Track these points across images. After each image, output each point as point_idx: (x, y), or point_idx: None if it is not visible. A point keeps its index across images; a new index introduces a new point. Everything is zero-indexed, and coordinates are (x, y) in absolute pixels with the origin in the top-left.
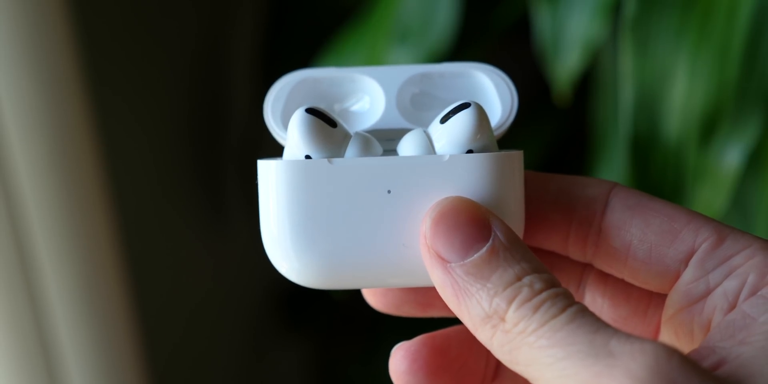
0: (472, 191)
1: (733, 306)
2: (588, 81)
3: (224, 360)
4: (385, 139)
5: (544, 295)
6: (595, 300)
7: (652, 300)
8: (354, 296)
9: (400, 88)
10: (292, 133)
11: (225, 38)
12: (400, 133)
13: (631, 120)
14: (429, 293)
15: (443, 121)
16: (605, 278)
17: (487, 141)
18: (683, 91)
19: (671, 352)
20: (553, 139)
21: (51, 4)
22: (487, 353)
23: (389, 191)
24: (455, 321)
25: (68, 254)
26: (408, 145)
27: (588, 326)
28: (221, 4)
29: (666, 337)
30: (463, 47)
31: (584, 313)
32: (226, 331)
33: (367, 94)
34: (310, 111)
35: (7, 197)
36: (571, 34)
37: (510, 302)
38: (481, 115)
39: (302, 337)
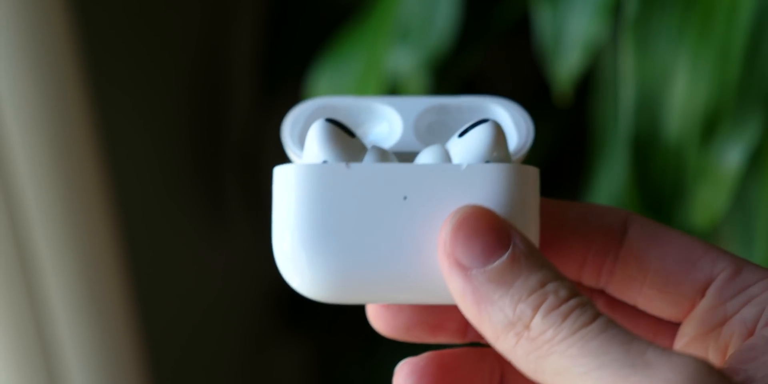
0: (489, 201)
1: (751, 332)
2: (588, 81)
3: (225, 359)
4: (401, 161)
5: (571, 302)
6: None
7: (660, 331)
8: None
9: (417, 117)
10: (311, 141)
11: (226, 38)
12: (416, 156)
13: (632, 120)
14: (440, 315)
15: (461, 135)
16: (613, 307)
17: (504, 156)
18: (684, 91)
19: (711, 367)
20: (554, 139)
21: (52, 4)
22: (491, 376)
23: (405, 197)
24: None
25: (69, 255)
26: (426, 157)
27: (622, 336)
28: (221, 4)
29: None
30: (463, 47)
31: (614, 323)
32: (227, 330)
33: (384, 120)
34: (330, 120)
35: (8, 198)
36: (571, 34)
37: (536, 309)
38: (499, 131)
39: (303, 336)
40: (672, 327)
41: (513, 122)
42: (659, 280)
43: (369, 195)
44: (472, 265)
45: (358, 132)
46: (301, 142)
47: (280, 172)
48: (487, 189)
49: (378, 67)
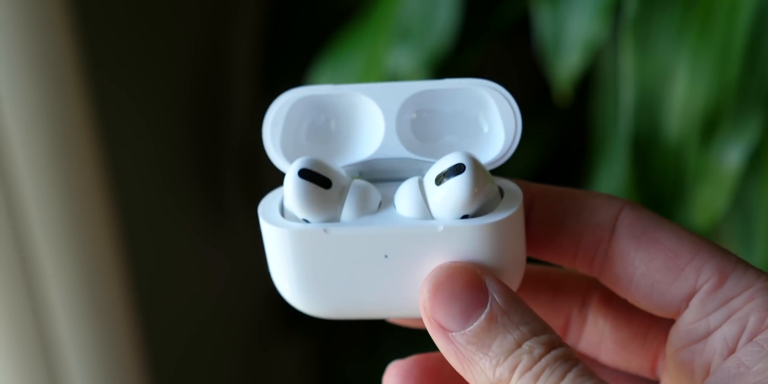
0: (467, 257)
1: (732, 351)
2: (588, 81)
3: (225, 358)
4: (387, 169)
5: (543, 361)
6: (596, 322)
7: (653, 325)
8: None
9: (399, 110)
10: (288, 196)
11: (226, 38)
12: (400, 163)
13: (632, 120)
14: None
15: (438, 181)
16: (609, 299)
17: (484, 199)
18: (684, 91)
19: None
20: (554, 139)
21: (52, 4)
22: None
23: (386, 256)
24: None
25: (69, 255)
26: (403, 202)
27: None
28: (222, 4)
29: (671, 369)
30: (463, 47)
31: (583, 377)
32: (228, 330)
33: (365, 115)
34: (303, 174)
35: (8, 198)
36: (571, 34)
37: (512, 371)
38: (477, 177)
39: (303, 334)
40: (664, 324)
41: (499, 110)
42: (645, 285)
43: (350, 254)
44: (452, 328)
45: (338, 124)
46: (284, 151)
47: (264, 226)
48: (465, 248)
49: (378, 67)
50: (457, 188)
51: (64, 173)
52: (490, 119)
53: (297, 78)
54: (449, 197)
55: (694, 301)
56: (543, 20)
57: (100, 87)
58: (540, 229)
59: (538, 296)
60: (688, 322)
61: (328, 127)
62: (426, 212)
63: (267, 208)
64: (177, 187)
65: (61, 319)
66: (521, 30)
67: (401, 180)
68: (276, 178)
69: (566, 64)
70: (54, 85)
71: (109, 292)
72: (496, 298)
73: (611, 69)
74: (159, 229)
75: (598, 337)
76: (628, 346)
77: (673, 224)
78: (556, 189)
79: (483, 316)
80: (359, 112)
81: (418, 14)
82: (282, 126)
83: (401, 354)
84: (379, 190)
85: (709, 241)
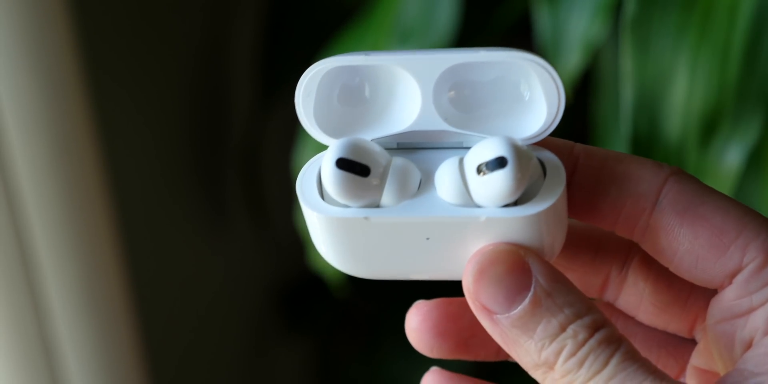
0: (510, 242)
1: None
2: (589, 81)
3: (225, 359)
4: (426, 140)
5: (587, 347)
6: (637, 283)
7: (694, 290)
8: (354, 295)
9: (436, 82)
10: (326, 185)
11: (226, 38)
12: (440, 135)
13: (632, 120)
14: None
15: (479, 171)
16: (650, 262)
17: (526, 186)
18: (684, 91)
19: None
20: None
21: (52, 3)
22: None
23: (428, 238)
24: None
25: (69, 255)
26: (443, 187)
27: (631, 381)
28: (222, 5)
29: (711, 338)
30: (463, 47)
31: (626, 362)
32: (227, 330)
33: (400, 83)
34: (340, 164)
35: (8, 199)
36: (571, 34)
37: (557, 355)
38: (519, 171)
39: (303, 336)
40: (705, 290)
41: (540, 82)
42: (689, 260)
43: (392, 237)
44: (497, 311)
45: (373, 91)
46: (318, 122)
47: (306, 211)
48: (507, 235)
49: None
50: (499, 183)
51: (64, 173)
52: (531, 87)
53: (297, 78)
54: (491, 189)
55: (738, 279)
56: (543, 20)
57: (100, 87)
58: (581, 194)
59: (579, 254)
60: (730, 298)
61: (362, 90)
62: (467, 198)
63: (306, 186)
64: (177, 187)
65: (61, 319)
66: (521, 30)
67: (441, 148)
68: (276, 178)
69: (566, 64)
70: (54, 84)
71: (109, 293)
72: (540, 279)
73: (612, 69)
74: (159, 230)
75: (637, 298)
76: (668, 309)
77: (718, 196)
78: (602, 152)
79: (527, 299)
80: (394, 80)
81: (419, 14)
82: (314, 96)
83: (401, 354)
84: (419, 160)
85: (754, 213)
